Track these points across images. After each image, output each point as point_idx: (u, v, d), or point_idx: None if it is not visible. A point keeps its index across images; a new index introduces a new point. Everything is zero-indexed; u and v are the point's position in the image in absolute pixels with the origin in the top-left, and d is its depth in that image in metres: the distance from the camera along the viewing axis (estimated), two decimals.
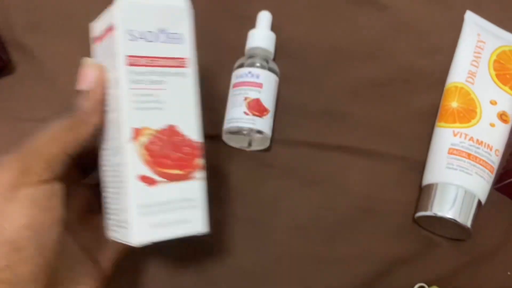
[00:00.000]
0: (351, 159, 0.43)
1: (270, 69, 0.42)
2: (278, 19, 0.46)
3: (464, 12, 0.48)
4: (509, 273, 0.41)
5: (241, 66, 0.42)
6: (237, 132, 0.41)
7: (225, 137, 0.42)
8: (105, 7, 0.46)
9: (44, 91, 0.44)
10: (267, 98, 0.41)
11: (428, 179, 0.42)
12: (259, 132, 0.41)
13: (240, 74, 0.42)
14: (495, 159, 0.42)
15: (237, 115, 0.40)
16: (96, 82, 0.29)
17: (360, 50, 0.47)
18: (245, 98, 0.40)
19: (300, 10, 0.48)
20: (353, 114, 0.45)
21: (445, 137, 0.42)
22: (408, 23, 0.48)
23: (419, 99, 0.46)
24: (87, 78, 0.29)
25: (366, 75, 0.46)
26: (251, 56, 0.43)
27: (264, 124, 0.41)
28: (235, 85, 0.42)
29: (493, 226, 0.42)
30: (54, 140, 0.27)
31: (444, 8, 0.49)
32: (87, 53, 0.45)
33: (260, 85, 0.41)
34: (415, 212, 0.41)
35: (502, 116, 0.43)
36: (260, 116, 0.40)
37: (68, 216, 0.28)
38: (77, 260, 0.31)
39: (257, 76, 0.41)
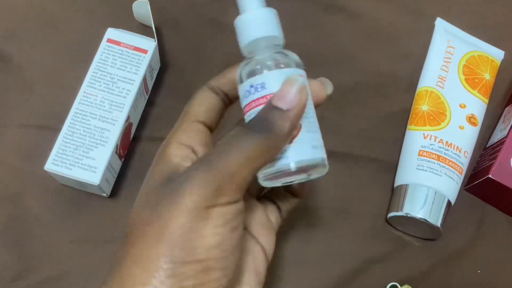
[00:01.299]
0: None
1: (284, 64, 0.27)
2: None
3: (434, 19, 0.49)
4: (479, 271, 0.42)
5: (241, 80, 0.28)
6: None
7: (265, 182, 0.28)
8: (84, 15, 0.47)
9: (23, 98, 0.44)
10: None
11: (399, 180, 0.43)
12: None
13: (243, 94, 0.28)
14: (464, 161, 0.43)
15: None
16: (298, 103, 0.26)
17: (331, 56, 0.48)
18: None
19: None
20: (326, 118, 0.45)
21: (416, 139, 0.43)
22: (379, 30, 0.49)
23: (390, 103, 0.47)
24: (290, 97, 0.26)
25: (338, 81, 0.46)
26: (249, 57, 0.28)
27: (297, 148, 0.27)
28: (244, 111, 0.28)
29: (463, 226, 0.43)
30: (247, 164, 0.25)
31: (415, 15, 0.50)
32: (66, 61, 0.46)
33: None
34: (387, 212, 0.42)
35: (471, 119, 0.44)
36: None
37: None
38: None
39: (262, 86, 0.27)
